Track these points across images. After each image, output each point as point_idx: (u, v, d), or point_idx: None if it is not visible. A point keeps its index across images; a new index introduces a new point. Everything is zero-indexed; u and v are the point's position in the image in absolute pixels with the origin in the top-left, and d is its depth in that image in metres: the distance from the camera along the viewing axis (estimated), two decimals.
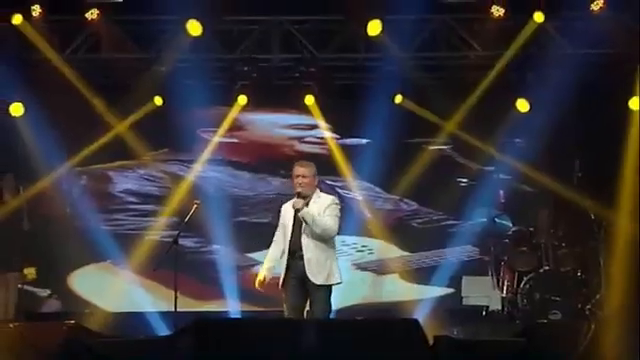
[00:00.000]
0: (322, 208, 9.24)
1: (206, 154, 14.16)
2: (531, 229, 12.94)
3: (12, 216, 12.15)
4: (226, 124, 14.08)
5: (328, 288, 9.25)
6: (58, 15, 12.26)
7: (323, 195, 9.44)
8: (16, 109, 13.18)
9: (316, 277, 9.15)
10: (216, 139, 14.20)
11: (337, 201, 9.42)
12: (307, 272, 9.14)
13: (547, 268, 12.34)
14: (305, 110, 14.05)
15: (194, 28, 11.53)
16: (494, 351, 9.03)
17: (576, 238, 12.58)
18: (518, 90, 13.17)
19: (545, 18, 11.71)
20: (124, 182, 14.17)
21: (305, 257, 9.15)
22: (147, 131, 13.79)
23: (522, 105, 13.34)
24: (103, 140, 13.46)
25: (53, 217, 13.02)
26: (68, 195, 13.93)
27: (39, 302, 13.00)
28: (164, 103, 13.53)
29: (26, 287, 12.42)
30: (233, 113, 14.03)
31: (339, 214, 9.30)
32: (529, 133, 13.48)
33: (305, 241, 9.15)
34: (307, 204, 9.14)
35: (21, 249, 12.28)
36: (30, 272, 11.95)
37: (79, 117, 12.94)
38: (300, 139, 14.43)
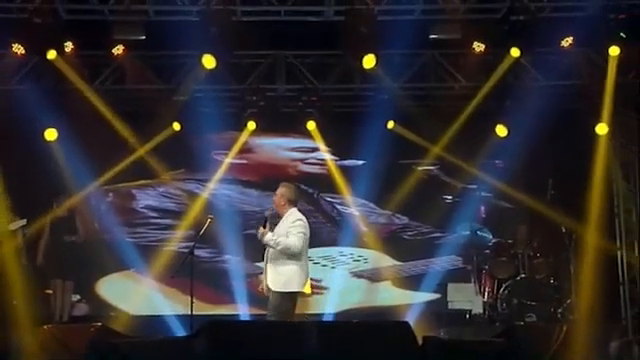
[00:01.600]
0: (287, 226, 9.37)
1: (219, 174, 14.16)
2: (510, 241, 12.97)
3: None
4: (237, 147, 14.09)
5: (283, 294, 9.29)
6: (88, 50, 12.24)
7: (293, 214, 9.52)
8: (50, 134, 13.18)
9: (272, 284, 9.30)
10: (228, 160, 14.21)
11: (301, 220, 9.46)
12: (267, 279, 9.35)
13: (523, 276, 12.36)
14: (307, 134, 14.04)
15: (209, 62, 11.52)
16: (476, 350, 9.02)
17: (549, 249, 12.59)
18: (497, 117, 13.14)
19: (521, 53, 11.71)
20: (145, 199, 14.18)
21: (267, 266, 9.39)
22: (166, 153, 13.78)
23: (501, 130, 13.32)
24: (127, 161, 13.42)
25: (83, 231, 12.99)
26: (96, 211, 13.96)
27: (71, 306, 12.96)
28: (182, 128, 13.53)
29: (17, 225, 12.36)
30: (243, 137, 14.02)
31: (303, 231, 9.35)
32: (507, 155, 13.50)
33: (268, 254, 9.40)
34: (275, 225, 9.37)
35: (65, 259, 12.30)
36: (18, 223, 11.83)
37: (106, 141, 12.91)
38: (302, 160, 14.44)
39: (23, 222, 10.08)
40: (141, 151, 13.59)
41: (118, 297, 13.75)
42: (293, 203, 9.61)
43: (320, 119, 13.72)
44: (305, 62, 13.12)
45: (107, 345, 8.57)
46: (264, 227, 9.34)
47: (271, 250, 9.34)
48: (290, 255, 9.26)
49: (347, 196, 14.23)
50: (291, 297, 9.33)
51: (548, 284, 12.37)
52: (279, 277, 9.30)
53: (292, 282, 9.31)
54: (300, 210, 9.65)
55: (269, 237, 9.29)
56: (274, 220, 9.47)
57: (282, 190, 9.70)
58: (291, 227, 9.33)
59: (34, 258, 12.41)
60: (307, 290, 9.69)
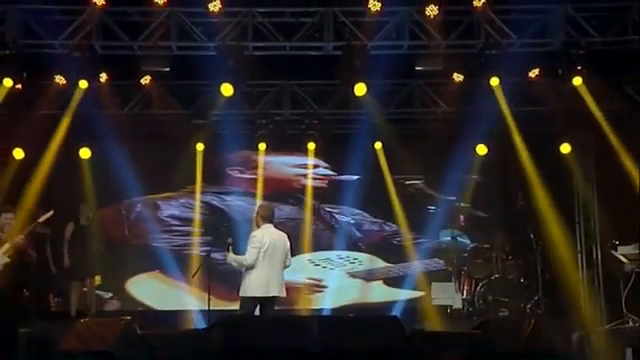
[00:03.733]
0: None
1: (233, 187, 14.19)
2: (485, 245, 12.98)
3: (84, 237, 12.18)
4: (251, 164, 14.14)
5: (243, 298, 9.63)
6: (119, 80, 12.27)
7: (260, 230, 9.79)
8: (84, 153, 13.20)
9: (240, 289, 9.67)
10: (241, 175, 14.22)
11: (255, 236, 9.69)
12: None
13: (497, 276, 12.36)
14: (309, 153, 14.06)
15: (227, 90, 11.45)
16: (457, 341, 9.01)
17: (519, 252, 12.59)
18: (476, 137, 13.16)
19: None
20: (169, 209, 14.18)
21: None
22: (187, 169, 13.78)
23: (481, 149, 13.35)
24: (153, 176, 13.43)
25: (116, 236, 13.00)
26: (126, 219, 13.96)
27: (103, 302, 12.96)
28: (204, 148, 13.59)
29: (95, 291, 12.38)
30: (258, 156, 14.04)
31: (256, 245, 9.57)
32: (483, 171, 13.54)
33: None
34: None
35: (92, 261, 12.26)
36: (97, 279, 11.91)
37: (134, 158, 12.91)
38: (305, 175, 14.44)
39: (50, 213, 9.94)
40: (165, 167, 13.57)
41: (145, 294, 13.76)
42: (267, 220, 9.80)
43: (320, 140, 13.74)
44: (307, 90, 13.15)
45: (136, 337, 8.56)
46: (227, 251, 9.69)
47: None
48: (248, 267, 9.52)
49: (344, 206, 14.23)
50: (252, 300, 9.53)
51: (518, 283, 12.37)
52: (242, 283, 9.60)
53: (248, 288, 9.52)
54: (276, 225, 9.89)
55: (230, 258, 9.65)
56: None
57: (257, 209, 10.12)
58: (248, 242, 9.62)
59: (61, 261, 12.32)
60: (281, 294, 9.80)
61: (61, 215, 12.27)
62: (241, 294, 9.61)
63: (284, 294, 9.82)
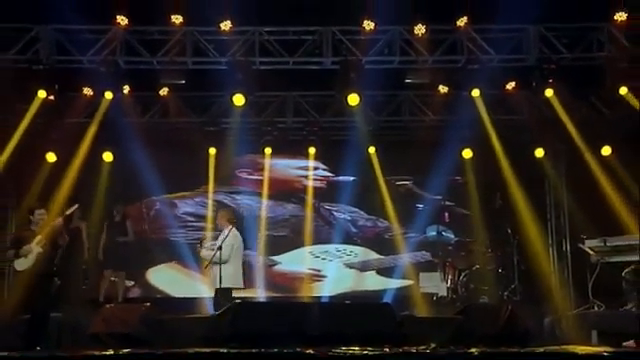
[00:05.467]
0: (220, 241, 10.21)
1: (242, 187, 14.20)
2: (468, 240, 13.00)
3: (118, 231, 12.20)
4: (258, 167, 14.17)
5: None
6: (140, 92, 12.28)
7: (227, 230, 10.37)
8: (107, 156, 13.20)
9: None
10: (249, 177, 14.24)
11: (231, 235, 10.32)
12: None
13: (478, 266, 12.35)
14: (310, 157, 14.08)
15: (239, 100, 11.42)
16: (442, 325, 9.05)
17: (497, 246, 12.60)
18: (459, 142, 13.17)
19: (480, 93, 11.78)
20: (185, 207, 14.15)
21: None
22: (201, 171, 13.81)
23: (467, 153, 13.37)
24: (170, 177, 13.40)
25: (136, 231, 12.99)
26: (147, 216, 13.97)
27: (126, 290, 12.95)
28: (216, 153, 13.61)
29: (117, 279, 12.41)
30: (264, 159, 14.04)
31: (232, 243, 10.23)
32: (465, 173, 13.56)
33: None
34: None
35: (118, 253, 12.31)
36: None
37: (153, 161, 12.84)
38: (306, 177, 14.42)
39: (75, 207, 9.98)
40: (181, 169, 13.57)
41: (164, 283, 13.75)
42: (231, 222, 10.48)
43: (320, 145, 13.76)
44: (308, 100, 13.16)
45: (155, 321, 8.60)
46: (200, 246, 10.54)
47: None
48: (222, 262, 10.10)
49: (341, 204, 14.23)
50: (228, 290, 10.19)
51: (497, 273, 12.35)
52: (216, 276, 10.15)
53: (224, 279, 10.11)
54: (236, 227, 10.62)
55: (203, 254, 10.34)
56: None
57: (222, 213, 10.84)
58: (225, 240, 10.16)
59: (95, 253, 12.41)
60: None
61: (89, 211, 12.42)
62: (216, 286, 9.96)
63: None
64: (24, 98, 11.53)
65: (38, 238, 9.25)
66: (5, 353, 6.73)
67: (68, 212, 9.71)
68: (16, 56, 10.89)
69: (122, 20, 10.83)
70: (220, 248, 10.15)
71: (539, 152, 12.94)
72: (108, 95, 11.60)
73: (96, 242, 12.47)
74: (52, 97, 11.35)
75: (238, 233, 10.45)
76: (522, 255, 12.41)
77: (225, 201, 14.08)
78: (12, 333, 8.89)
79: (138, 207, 13.85)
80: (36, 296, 9.03)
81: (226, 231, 10.44)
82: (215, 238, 11.12)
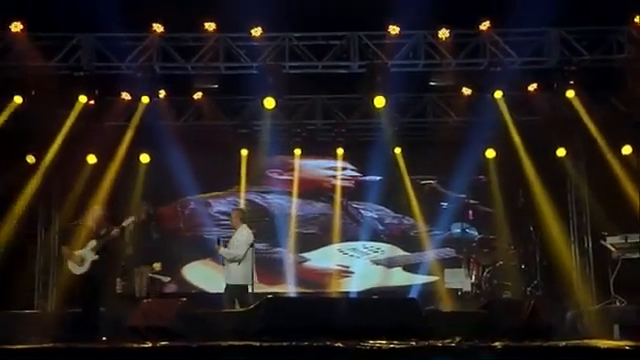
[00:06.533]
0: (236, 239, 10.16)
1: (273, 187, 14.23)
2: (491, 237, 12.93)
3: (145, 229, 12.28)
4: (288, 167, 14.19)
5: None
6: (175, 96, 12.35)
7: (242, 229, 10.28)
8: (144, 158, 13.30)
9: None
10: (279, 177, 14.27)
11: (246, 234, 10.24)
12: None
13: (501, 263, 12.29)
14: (338, 157, 14.07)
15: (269, 103, 11.47)
16: (466, 319, 9.00)
17: (520, 243, 12.51)
18: (482, 142, 13.10)
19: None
20: (218, 206, 14.19)
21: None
22: (233, 171, 13.87)
23: (490, 153, 13.30)
24: (204, 178, 13.43)
25: (172, 229, 13.07)
26: (182, 215, 14.05)
27: (163, 286, 13.05)
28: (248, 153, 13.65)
29: (155, 276, 12.48)
30: (294, 160, 14.07)
31: (247, 241, 10.13)
32: (488, 172, 13.49)
33: None
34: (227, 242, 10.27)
35: (152, 250, 12.37)
36: (157, 265, 12.03)
37: (187, 163, 12.87)
38: (334, 177, 14.41)
39: (132, 219, 10.24)
40: (214, 170, 13.63)
41: (198, 279, 13.83)
42: (244, 221, 10.38)
43: (348, 145, 13.75)
44: (336, 103, 13.14)
45: (190, 315, 8.64)
46: (218, 245, 10.26)
47: None
48: (238, 259, 10.03)
49: (368, 203, 14.20)
50: (238, 288, 10.11)
51: (520, 269, 12.28)
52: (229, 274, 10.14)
53: (237, 277, 10.02)
54: (248, 225, 10.48)
55: (222, 251, 10.12)
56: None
57: (235, 213, 10.73)
58: (237, 239, 10.10)
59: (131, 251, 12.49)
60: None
61: (126, 210, 12.49)
62: (239, 282, 9.91)
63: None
64: (65, 103, 11.66)
65: (93, 244, 9.56)
66: (51, 344, 6.83)
67: (125, 224, 10.00)
68: (59, 63, 11.03)
69: (158, 28, 10.91)
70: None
71: (561, 151, 12.83)
72: (145, 99, 11.71)
73: (132, 240, 12.56)
74: (92, 102, 11.48)
75: (251, 232, 10.36)
76: (544, 252, 12.31)
77: (256, 200, 14.14)
78: (62, 326, 9.08)
79: (173, 206, 13.94)
80: (89, 294, 9.54)
81: (243, 231, 10.31)
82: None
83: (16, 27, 10.64)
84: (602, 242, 10.87)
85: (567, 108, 11.83)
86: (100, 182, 12.46)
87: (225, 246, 10.20)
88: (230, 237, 10.33)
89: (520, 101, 12.39)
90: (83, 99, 11.37)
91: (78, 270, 9.65)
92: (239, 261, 9.98)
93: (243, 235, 10.19)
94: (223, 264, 10.27)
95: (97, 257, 9.60)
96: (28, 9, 10.52)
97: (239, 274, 9.99)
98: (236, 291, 10.02)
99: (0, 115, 11.33)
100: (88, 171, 12.79)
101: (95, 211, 9.93)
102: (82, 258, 9.59)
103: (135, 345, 6.66)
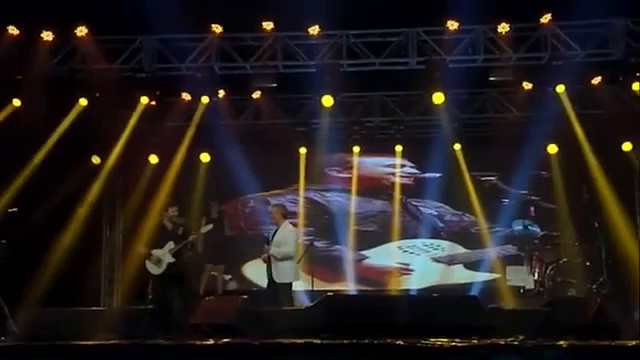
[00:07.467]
0: (283, 236, 9.92)
1: (331, 185, 14.24)
2: (554, 233, 12.70)
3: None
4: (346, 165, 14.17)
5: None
6: (235, 96, 12.45)
7: (287, 225, 10.08)
8: (204, 157, 13.47)
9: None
10: (338, 174, 14.28)
11: (292, 229, 10.11)
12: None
13: (565, 260, 12.07)
14: (397, 154, 14.00)
15: (327, 101, 11.48)
16: (529, 317, 8.85)
17: (585, 239, 12.25)
18: (544, 138, 12.88)
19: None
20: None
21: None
22: (292, 170, 13.90)
23: (552, 149, 13.09)
24: (263, 176, 13.53)
25: (233, 228, 13.19)
26: (242, 213, 14.17)
27: (224, 283, 13.21)
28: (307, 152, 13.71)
29: (216, 274, 12.66)
30: (353, 158, 14.06)
31: (295, 238, 10.03)
32: (550, 167, 13.26)
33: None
34: (276, 232, 9.98)
35: (220, 249, 12.53)
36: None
37: (247, 161, 13.02)
38: (394, 174, 14.35)
39: (210, 227, 10.54)
40: (273, 169, 13.69)
41: (259, 276, 13.78)
42: (285, 216, 10.18)
43: (407, 143, 13.69)
44: (394, 100, 13.08)
45: (251, 312, 8.71)
46: (268, 244, 9.92)
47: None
48: (290, 257, 9.92)
49: (428, 200, 14.11)
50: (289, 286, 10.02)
51: (584, 266, 12.04)
52: (280, 272, 9.89)
53: (291, 274, 9.95)
54: (290, 221, 10.38)
55: (272, 251, 9.83)
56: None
57: (276, 208, 10.48)
58: (288, 236, 9.93)
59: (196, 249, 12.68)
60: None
61: (188, 209, 12.70)
62: (288, 280, 9.86)
63: None
64: (127, 105, 11.90)
65: (170, 246, 9.88)
66: (117, 341, 6.98)
67: (203, 230, 10.28)
68: (121, 65, 11.25)
69: (217, 28, 11.03)
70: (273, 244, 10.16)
71: (627, 146, 12.49)
72: (205, 99, 11.88)
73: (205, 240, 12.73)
74: (153, 103, 11.68)
75: (289, 228, 10.26)
76: (610, 248, 12.02)
77: (315, 198, 14.19)
78: (129, 323, 9.28)
79: (234, 205, 14.09)
80: (164, 293, 9.88)
81: (288, 227, 10.19)
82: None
83: (81, 31, 10.91)
84: None
85: (633, 101, 11.51)
86: (162, 182, 12.67)
87: (267, 243, 10.08)
88: (273, 233, 10.21)
89: (583, 95, 12.12)
90: (145, 100, 11.58)
91: (155, 270, 9.97)
92: (290, 258, 9.92)
93: (289, 231, 10.07)
94: (264, 261, 10.21)
95: (173, 260, 9.91)
96: (92, 14, 10.76)
97: (288, 272, 9.89)
98: (284, 289, 9.96)
99: (67, 117, 11.63)
100: (150, 171, 13.02)
101: (172, 213, 10.14)
102: (159, 259, 9.88)
103: (198, 342, 6.76)
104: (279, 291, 9.90)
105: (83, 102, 11.50)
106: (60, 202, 11.61)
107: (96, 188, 12.41)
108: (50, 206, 11.41)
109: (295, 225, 10.74)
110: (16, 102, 11.34)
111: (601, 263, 12.08)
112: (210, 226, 10.43)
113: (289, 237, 9.97)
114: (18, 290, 10.18)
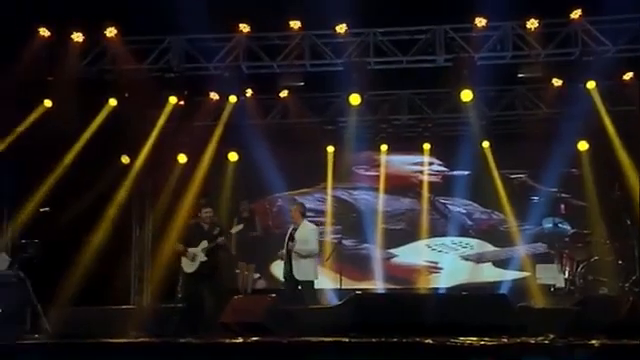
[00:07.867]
0: (305, 234, 9.79)
1: (359, 183, 14.22)
2: (585, 231, 12.57)
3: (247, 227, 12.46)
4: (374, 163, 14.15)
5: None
6: (262, 95, 12.51)
7: (307, 224, 9.97)
8: (232, 156, 13.52)
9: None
10: (365, 173, 14.26)
11: (313, 228, 10.02)
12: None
13: (596, 258, 11.89)
14: (425, 152, 13.95)
15: (355, 99, 11.49)
16: (559, 316, 8.75)
17: (616, 237, 12.09)
18: (574, 135, 12.74)
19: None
20: (305, 203, 14.17)
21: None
22: (319, 168, 13.90)
23: (582, 145, 12.96)
24: (291, 175, 13.51)
25: (262, 227, 13.20)
26: (270, 212, 14.21)
27: (253, 282, 13.25)
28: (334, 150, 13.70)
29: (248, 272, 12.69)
30: (381, 156, 14.03)
31: (316, 236, 9.94)
32: (581, 164, 13.12)
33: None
34: (295, 230, 9.84)
35: (251, 247, 12.55)
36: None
37: (274, 160, 13.02)
38: (421, 172, 14.30)
39: (240, 227, 10.64)
40: (301, 168, 13.70)
41: None
42: (303, 215, 10.08)
43: (434, 140, 13.64)
44: (422, 98, 13.05)
45: (280, 311, 8.72)
46: (291, 241, 9.82)
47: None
48: (314, 254, 9.91)
49: (456, 198, 14.03)
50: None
51: (616, 264, 11.87)
52: (307, 270, 9.83)
53: (315, 272, 9.91)
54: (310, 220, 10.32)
55: (297, 249, 9.75)
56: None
57: (296, 207, 10.38)
58: (312, 235, 9.88)
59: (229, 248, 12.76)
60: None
61: (216, 208, 12.73)
62: (311, 278, 9.84)
63: None
64: (156, 104, 11.99)
65: (204, 244, 9.99)
66: (147, 339, 7.04)
67: (233, 231, 10.33)
68: (150, 66, 11.34)
69: (244, 28, 11.09)
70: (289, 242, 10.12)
71: None
72: (232, 99, 11.93)
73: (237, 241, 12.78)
74: (182, 102, 11.76)
75: (311, 226, 10.23)
76: None
77: (343, 197, 14.19)
78: (159, 321, 9.37)
79: (262, 204, 14.13)
80: (195, 291, 9.97)
81: (308, 225, 10.13)
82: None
83: (110, 32, 11.03)
84: None
85: None
86: (190, 181, 12.74)
87: (291, 240, 10.05)
88: (292, 232, 10.10)
89: (614, 91, 11.98)
90: (173, 100, 11.68)
91: (189, 268, 10.06)
92: (313, 256, 9.92)
93: (311, 230, 10.03)
94: (282, 259, 10.20)
95: (206, 258, 9.99)
96: (121, 15, 10.87)
97: (310, 270, 9.86)
98: (306, 286, 9.94)
99: (97, 117, 11.75)
100: (179, 170, 13.10)
101: (205, 214, 10.21)
102: (194, 257, 9.93)
103: (227, 341, 6.78)
104: (303, 289, 9.90)
105: (113, 102, 11.62)
106: (91, 202, 11.73)
107: (125, 188, 12.52)
108: (81, 206, 11.53)
109: (318, 224, 10.70)
110: (47, 103, 11.50)
111: (634, 261, 11.88)
112: (241, 226, 10.53)
113: (310, 235, 9.94)
114: (50, 289, 10.28)
